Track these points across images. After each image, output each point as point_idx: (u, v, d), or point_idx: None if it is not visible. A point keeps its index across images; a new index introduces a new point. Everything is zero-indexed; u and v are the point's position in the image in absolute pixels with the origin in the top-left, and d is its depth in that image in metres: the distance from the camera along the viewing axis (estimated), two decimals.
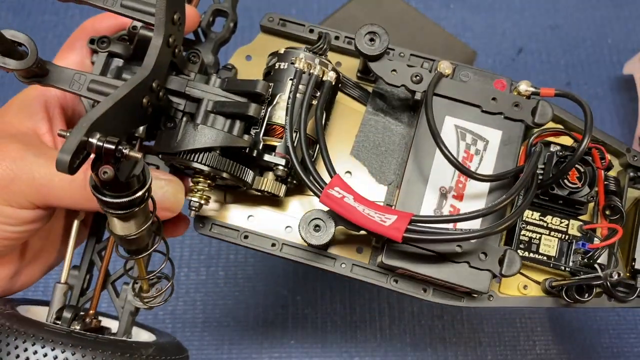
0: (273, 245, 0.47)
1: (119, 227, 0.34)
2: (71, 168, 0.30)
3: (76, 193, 0.39)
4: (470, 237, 0.40)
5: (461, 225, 0.42)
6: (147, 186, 0.32)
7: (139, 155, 0.30)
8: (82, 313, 0.45)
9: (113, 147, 0.30)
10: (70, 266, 0.45)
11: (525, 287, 0.47)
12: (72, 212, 0.45)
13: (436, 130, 0.42)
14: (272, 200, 0.48)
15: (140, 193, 0.32)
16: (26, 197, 0.39)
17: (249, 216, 0.48)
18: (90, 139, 0.30)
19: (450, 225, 0.42)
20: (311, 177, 0.42)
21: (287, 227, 0.48)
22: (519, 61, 1.04)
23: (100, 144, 0.30)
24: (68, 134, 0.30)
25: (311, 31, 0.50)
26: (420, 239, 0.40)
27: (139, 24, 0.42)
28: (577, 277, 0.44)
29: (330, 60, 0.47)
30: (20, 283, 0.45)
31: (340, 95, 0.49)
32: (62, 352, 0.36)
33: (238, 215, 0.48)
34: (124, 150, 0.30)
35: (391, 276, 0.46)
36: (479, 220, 0.43)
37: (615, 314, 0.84)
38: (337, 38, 0.50)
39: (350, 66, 0.50)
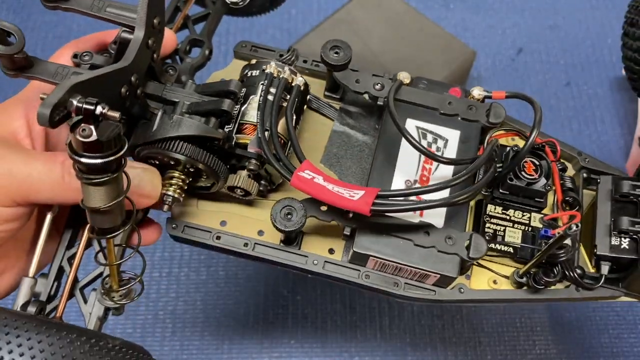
0: (245, 245, 0.48)
1: (92, 197, 0.35)
2: (51, 121, 0.32)
3: (55, 184, 0.40)
4: (433, 206, 0.43)
5: (426, 198, 0.46)
6: (122, 150, 0.34)
7: (116, 114, 0.32)
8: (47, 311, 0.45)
9: (92, 107, 0.32)
10: (39, 259, 0.45)
11: (494, 281, 0.49)
12: (43, 216, 0.46)
13: (400, 123, 0.46)
14: (245, 207, 0.50)
15: (116, 156, 0.33)
16: (7, 193, 0.40)
17: (222, 222, 0.49)
18: (70, 99, 0.32)
19: (415, 199, 0.45)
20: (281, 163, 0.44)
21: (260, 231, 0.49)
22: (519, 61, 1.05)
23: (80, 104, 0.32)
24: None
25: (281, 56, 0.54)
26: (387, 210, 0.43)
27: (118, 39, 0.45)
28: (539, 250, 0.46)
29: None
30: None
31: (310, 112, 0.53)
32: (26, 332, 0.36)
33: (211, 221, 0.49)
34: (102, 110, 0.32)
35: (363, 272, 0.48)
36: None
37: (614, 313, 0.84)
38: (305, 62, 0.54)
39: (318, 87, 0.54)
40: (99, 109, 0.32)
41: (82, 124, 0.32)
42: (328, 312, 0.84)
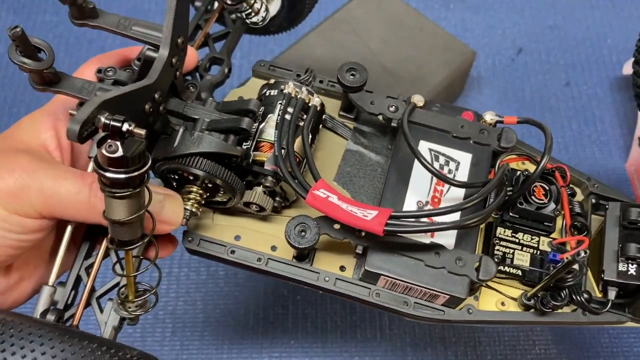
0: (259, 260, 0.49)
1: (115, 210, 0.36)
2: (80, 137, 0.33)
3: (81, 205, 0.41)
4: (444, 229, 0.44)
5: (437, 220, 0.47)
6: (146, 166, 0.35)
7: (142, 132, 0.33)
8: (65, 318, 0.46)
9: (119, 124, 0.33)
10: (60, 269, 0.46)
11: (502, 303, 0.50)
12: (63, 227, 0.47)
13: (413, 144, 0.47)
14: (259, 222, 0.51)
15: (139, 172, 0.35)
16: (34, 206, 0.41)
17: (236, 236, 0.50)
18: (99, 116, 0.34)
19: (427, 221, 0.46)
20: (297, 181, 0.46)
21: (273, 246, 0.50)
22: (519, 61, 1.05)
23: (108, 121, 0.33)
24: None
25: (298, 75, 0.55)
26: (400, 230, 0.44)
27: (142, 56, 0.46)
28: (547, 274, 0.47)
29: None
30: (12, 300, 0.46)
31: (325, 131, 0.55)
32: (49, 340, 0.37)
33: (226, 235, 0.50)
34: (129, 127, 0.33)
35: (373, 290, 0.49)
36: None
37: None
38: (321, 82, 0.56)
39: (333, 107, 0.56)
40: (125, 126, 0.33)
41: (109, 140, 0.33)
42: (328, 312, 0.84)
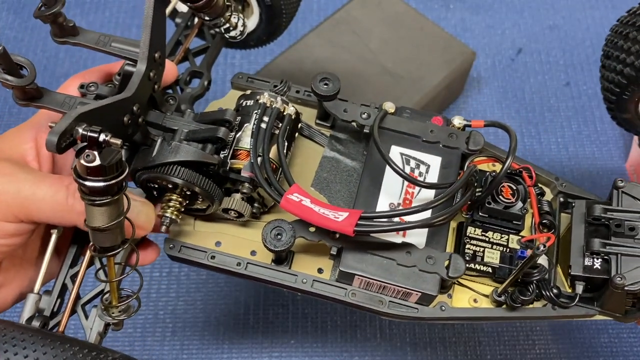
0: (238, 264, 0.51)
1: (95, 217, 0.38)
2: (59, 148, 0.36)
3: (58, 205, 0.43)
4: (413, 227, 0.46)
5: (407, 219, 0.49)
6: (123, 175, 0.37)
7: (118, 141, 0.35)
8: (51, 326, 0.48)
9: (96, 135, 0.35)
10: (44, 277, 0.48)
11: (475, 300, 0.52)
12: (47, 236, 0.49)
13: (384, 150, 0.50)
14: (239, 227, 0.53)
15: (117, 180, 0.36)
16: (12, 210, 0.43)
17: (217, 242, 0.52)
18: (77, 127, 0.36)
19: (398, 221, 0.48)
20: (272, 187, 0.48)
21: (252, 251, 0.52)
22: (519, 61, 1.05)
23: (85, 132, 0.35)
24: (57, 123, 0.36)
25: (275, 87, 0.57)
26: (369, 230, 0.46)
27: (122, 72, 0.48)
28: (514, 270, 0.49)
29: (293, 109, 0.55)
30: None
31: (302, 139, 0.57)
32: (32, 344, 0.38)
33: (207, 241, 0.52)
34: (105, 138, 0.35)
35: (349, 290, 0.50)
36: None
37: None
38: (297, 92, 0.58)
39: (310, 115, 0.58)
40: (102, 137, 0.35)
41: (87, 150, 0.35)
42: (328, 312, 0.84)
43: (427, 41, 0.93)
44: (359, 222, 0.45)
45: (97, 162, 0.35)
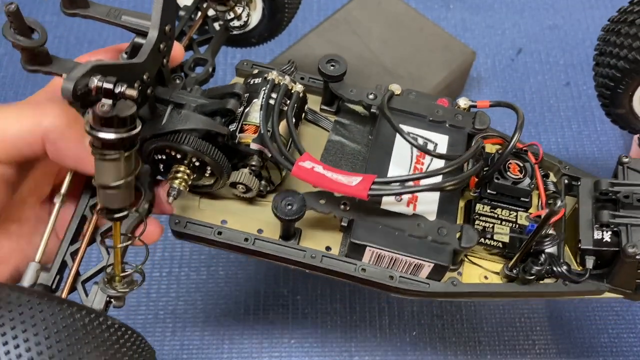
0: (246, 240, 0.50)
1: (104, 174, 0.38)
2: (74, 95, 0.34)
3: (35, 134, 0.41)
4: (425, 189, 0.47)
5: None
6: (136, 129, 0.36)
7: (134, 92, 0.35)
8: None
9: (111, 85, 0.35)
10: (46, 245, 0.47)
11: (485, 277, 0.52)
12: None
13: (395, 124, 0.50)
14: (245, 206, 0.53)
15: (130, 134, 0.36)
16: None
17: (223, 220, 0.52)
18: (92, 77, 0.35)
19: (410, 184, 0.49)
20: (283, 157, 0.48)
21: (259, 229, 0.52)
22: (519, 61, 1.05)
23: (101, 83, 0.35)
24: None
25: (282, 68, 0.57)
26: (383, 194, 0.46)
27: (132, 44, 0.48)
28: (525, 238, 0.49)
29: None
30: None
31: (307, 124, 0.57)
32: (38, 304, 0.37)
33: (212, 219, 0.52)
34: (121, 89, 0.35)
35: (359, 265, 0.50)
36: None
37: (614, 313, 0.85)
38: (302, 78, 0.58)
39: (314, 102, 0.58)
40: (118, 88, 0.35)
41: (102, 99, 0.35)
42: (328, 312, 0.84)
43: (427, 41, 0.93)
44: (372, 186, 0.45)
45: (112, 112, 0.34)
